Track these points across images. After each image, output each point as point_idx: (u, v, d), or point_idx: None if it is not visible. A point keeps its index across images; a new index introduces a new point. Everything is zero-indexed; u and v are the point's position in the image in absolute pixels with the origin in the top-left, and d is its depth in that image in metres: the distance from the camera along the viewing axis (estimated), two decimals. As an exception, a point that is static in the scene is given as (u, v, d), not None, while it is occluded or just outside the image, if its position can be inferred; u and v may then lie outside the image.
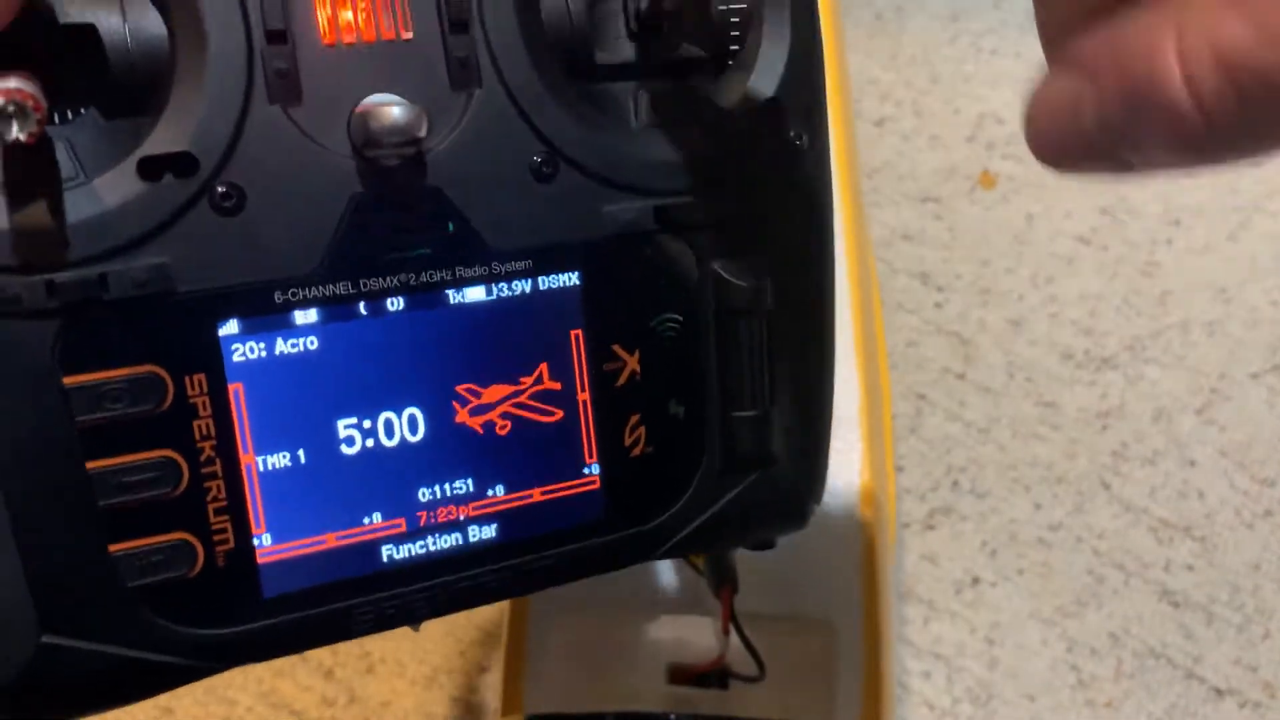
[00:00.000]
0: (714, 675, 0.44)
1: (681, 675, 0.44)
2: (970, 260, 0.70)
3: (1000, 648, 0.59)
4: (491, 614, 0.58)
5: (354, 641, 0.58)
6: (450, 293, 0.27)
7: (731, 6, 0.28)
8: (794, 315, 0.31)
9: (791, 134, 0.30)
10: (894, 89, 0.76)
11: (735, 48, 0.29)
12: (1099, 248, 0.71)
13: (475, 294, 0.28)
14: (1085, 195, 0.72)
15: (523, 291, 0.28)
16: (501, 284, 0.28)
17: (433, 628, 0.59)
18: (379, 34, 0.26)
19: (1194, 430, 0.64)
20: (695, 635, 0.45)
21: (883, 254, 0.70)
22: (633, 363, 0.30)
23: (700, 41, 0.29)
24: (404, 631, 0.58)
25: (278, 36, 0.25)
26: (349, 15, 0.26)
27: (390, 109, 0.25)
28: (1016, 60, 0.77)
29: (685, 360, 0.30)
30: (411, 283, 0.27)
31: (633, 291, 0.29)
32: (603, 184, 0.28)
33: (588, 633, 0.45)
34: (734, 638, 0.43)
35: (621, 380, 0.29)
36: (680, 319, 0.30)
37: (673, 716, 0.44)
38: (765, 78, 0.28)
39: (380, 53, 0.26)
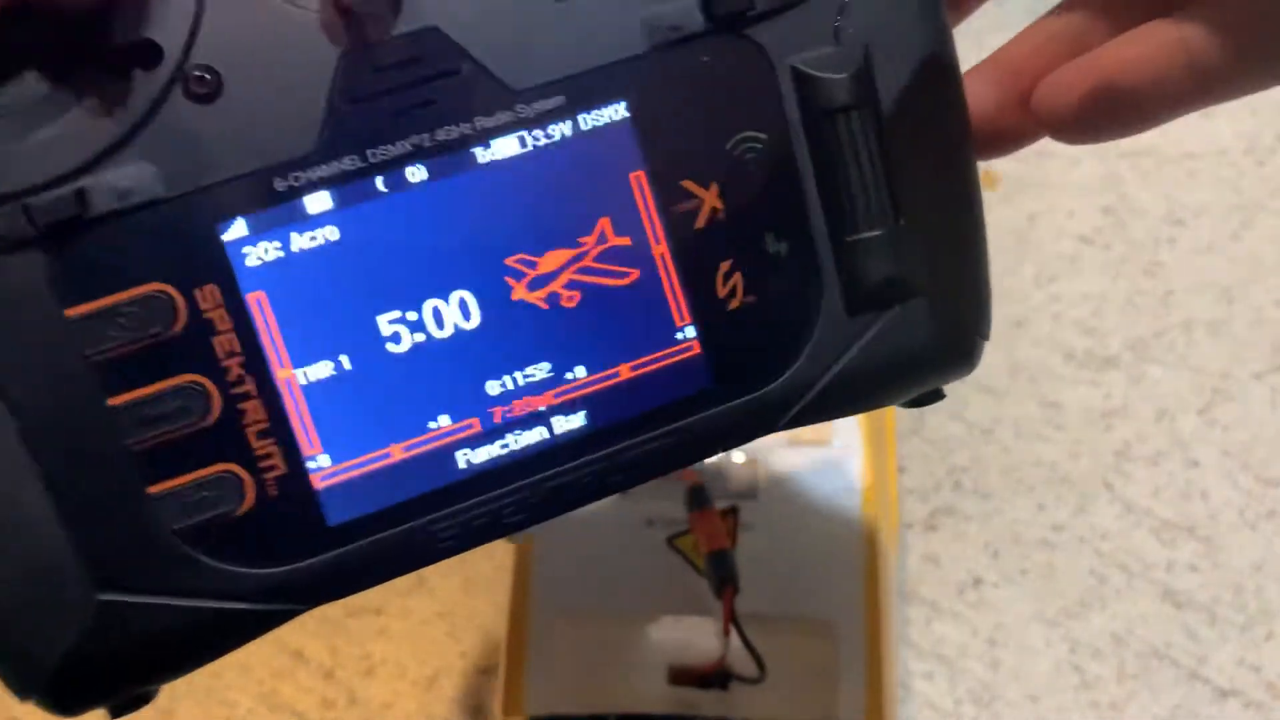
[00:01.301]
0: (715, 676, 0.44)
1: (682, 676, 0.44)
2: (972, 260, 0.69)
3: (1003, 649, 0.59)
4: (493, 613, 0.58)
5: (354, 643, 0.58)
6: (477, 150, 0.24)
7: None
8: (909, 105, 0.26)
9: None
10: (896, 88, 0.76)
11: None
12: (1102, 247, 0.70)
13: (506, 147, 0.24)
14: (1088, 194, 0.72)
15: (562, 135, 0.24)
16: (535, 130, 0.24)
17: (433, 627, 0.59)
18: None
19: (1197, 430, 0.64)
20: (696, 636, 0.45)
21: (885, 254, 0.70)
22: (711, 198, 0.25)
23: None
24: (405, 632, 0.58)
25: None
26: None
27: None
28: (1019, 59, 0.77)
29: (777, 184, 0.25)
30: (427, 145, 0.23)
31: (695, 113, 0.25)
32: None
33: (588, 634, 0.45)
34: (735, 639, 0.43)
35: (702, 221, 0.25)
36: (763, 135, 0.25)
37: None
38: None
39: None
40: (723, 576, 0.43)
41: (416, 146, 0.23)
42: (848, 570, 0.46)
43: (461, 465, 0.25)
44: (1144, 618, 0.59)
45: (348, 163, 0.23)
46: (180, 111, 0.23)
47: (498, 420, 0.25)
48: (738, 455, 0.49)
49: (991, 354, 0.67)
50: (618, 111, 0.24)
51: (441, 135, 0.23)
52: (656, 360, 0.26)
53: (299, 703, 0.57)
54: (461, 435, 0.25)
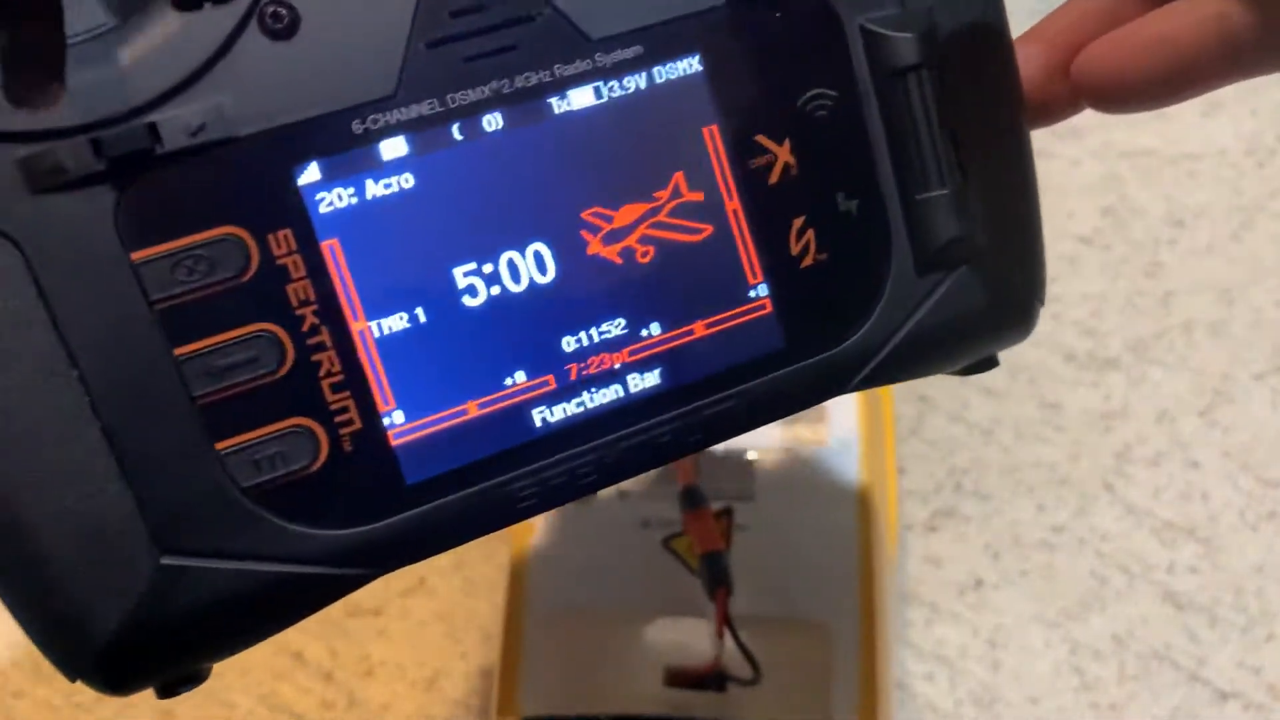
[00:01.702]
0: (710, 678, 0.44)
1: (678, 678, 0.44)
2: (972, 261, 0.69)
3: (1003, 650, 0.58)
4: (493, 614, 0.58)
5: (354, 644, 0.58)
6: (554, 100, 0.24)
7: None
8: (969, 68, 0.27)
9: None
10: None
11: None
12: (1102, 248, 0.70)
13: (583, 98, 0.24)
14: (1088, 195, 0.72)
15: (637, 87, 0.24)
16: (611, 81, 0.24)
17: (432, 628, 0.59)
18: None
19: (1197, 432, 0.64)
20: (691, 638, 0.45)
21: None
22: (784, 154, 0.25)
23: None
24: (404, 633, 0.58)
25: None
26: None
27: None
28: (1019, 61, 0.77)
29: (847, 142, 0.26)
30: (505, 91, 0.23)
31: (767, 68, 0.25)
32: None
33: (583, 635, 0.45)
34: (730, 640, 0.43)
35: (774, 178, 0.25)
36: (833, 92, 0.25)
37: None
38: None
39: None
40: (716, 578, 0.43)
41: (495, 93, 0.23)
42: (843, 572, 0.46)
43: (538, 423, 0.25)
44: (1144, 619, 0.59)
45: (426, 108, 0.23)
46: (256, 47, 0.22)
47: (573, 376, 0.25)
48: (737, 453, 0.49)
49: (991, 355, 0.67)
50: (692, 64, 0.24)
51: (520, 82, 0.23)
52: (730, 318, 0.26)
53: (298, 704, 0.57)
54: (538, 392, 0.25)
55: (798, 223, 0.26)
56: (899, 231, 0.27)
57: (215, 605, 0.23)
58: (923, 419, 0.65)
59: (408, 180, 0.23)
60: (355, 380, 0.23)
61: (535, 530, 0.47)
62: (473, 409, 0.24)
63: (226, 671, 0.58)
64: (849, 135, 0.26)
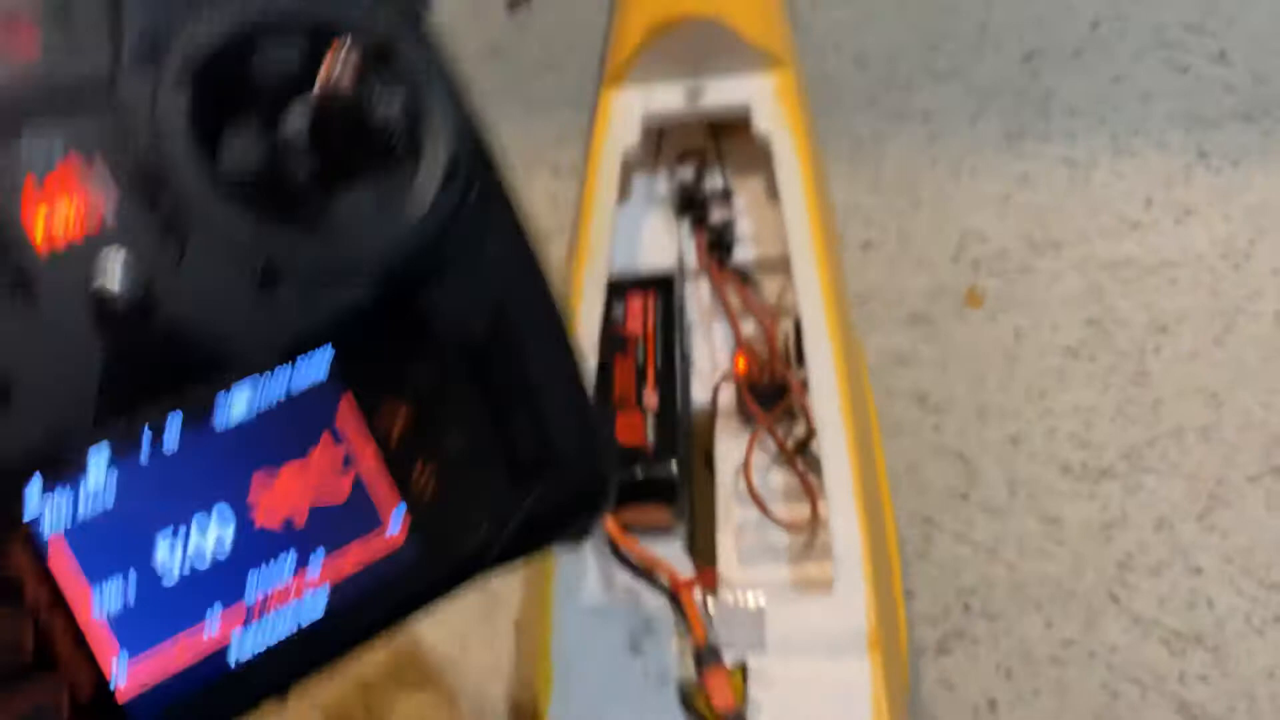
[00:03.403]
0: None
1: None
2: (965, 379, 0.71)
3: (1024, 768, 0.59)
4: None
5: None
6: (219, 409, 0.31)
7: (389, 113, 0.33)
8: (527, 334, 0.36)
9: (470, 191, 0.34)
10: (877, 214, 0.78)
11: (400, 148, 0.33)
12: (1088, 359, 0.72)
13: (241, 399, 0.31)
14: (1071, 308, 0.74)
15: (285, 386, 0.32)
16: (263, 382, 0.31)
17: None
18: (87, 230, 0.29)
19: (1196, 538, 0.65)
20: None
21: (878, 379, 0.71)
22: (403, 414, 0.34)
23: (367, 147, 0.33)
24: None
25: None
26: (58, 225, 0.29)
27: (105, 272, 0.29)
28: (994, 178, 0.79)
29: (449, 397, 0.34)
30: (178, 405, 0.30)
31: (382, 353, 0.33)
32: (326, 276, 0.32)
33: None
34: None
35: (398, 431, 0.33)
36: (436, 362, 0.34)
37: None
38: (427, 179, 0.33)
39: (95, 241, 0.29)
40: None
41: (170, 408, 0.30)
42: (857, 715, 0.47)
43: (232, 662, 0.32)
44: (1160, 731, 0.60)
45: (119, 431, 0.30)
46: None
47: (257, 616, 0.32)
48: (748, 604, 0.50)
49: (991, 471, 0.68)
50: (323, 364, 0.32)
51: (192, 400, 0.30)
52: (374, 548, 0.33)
53: None
54: (232, 631, 0.32)
55: (419, 463, 0.33)
56: (497, 458, 0.35)
57: None
58: (929, 541, 0.66)
59: (111, 482, 0.30)
60: (83, 652, 0.29)
61: (551, 693, 0.48)
62: (181, 656, 0.31)
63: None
64: (453, 395, 0.34)
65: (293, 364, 0.32)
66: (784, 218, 0.62)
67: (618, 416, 0.57)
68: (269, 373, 0.31)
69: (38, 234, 0.29)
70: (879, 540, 0.56)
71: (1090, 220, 0.77)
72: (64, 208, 0.29)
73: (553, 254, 0.83)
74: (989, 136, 0.81)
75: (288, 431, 0.32)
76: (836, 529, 0.52)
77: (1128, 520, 0.66)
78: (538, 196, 0.76)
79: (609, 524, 0.51)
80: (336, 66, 0.31)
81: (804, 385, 0.60)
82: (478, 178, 0.35)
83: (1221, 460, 0.67)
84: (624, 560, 0.52)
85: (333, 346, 0.32)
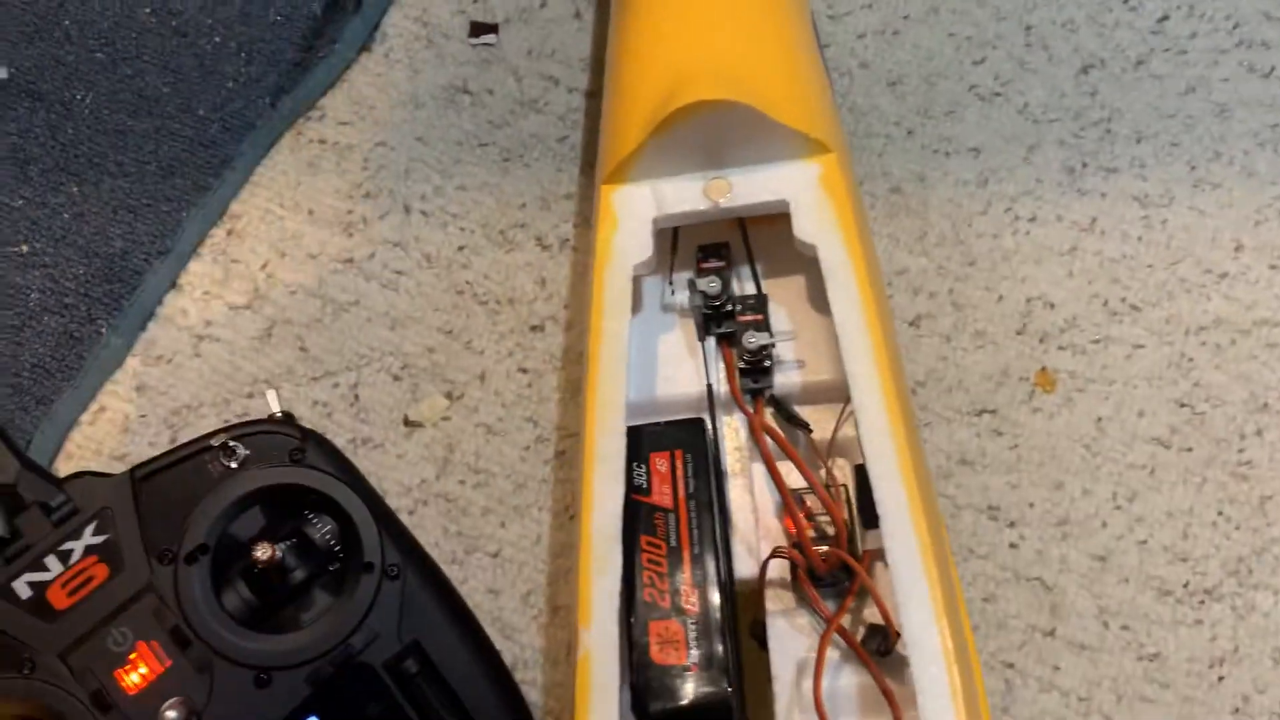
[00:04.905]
0: None
1: None
2: (1041, 484, 0.62)
3: None
4: None
5: None
6: None
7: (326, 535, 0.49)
8: (448, 659, 0.47)
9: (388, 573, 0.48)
10: (926, 279, 0.68)
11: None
12: (1181, 450, 0.63)
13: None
14: (1157, 386, 0.64)
15: None
16: None
17: None
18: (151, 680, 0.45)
19: (1323, 674, 0.57)
20: None
21: (943, 487, 0.62)
22: None
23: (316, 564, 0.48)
24: None
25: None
26: (134, 678, 0.45)
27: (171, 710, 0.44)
28: (1059, 225, 0.69)
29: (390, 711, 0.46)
30: None
31: (345, 698, 0.46)
32: (306, 665, 0.46)
33: None
34: None
35: None
36: (384, 695, 0.46)
37: None
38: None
39: (160, 683, 0.45)
40: None
41: None
42: None
43: None
44: None
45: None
46: None
47: None
48: None
49: (1077, 600, 0.59)
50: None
51: None
52: None
53: None
54: None
55: None
56: None
57: None
58: (1012, 692, 0.58)
59: None
60: None
61: None
62: None
63: None
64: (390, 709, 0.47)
65: None
66: (841, 346, 0.52)
67: (649, 628, 0.48)
68: None
69: (128, 683, 0.45)
70: (971, 700, 0.47)
71: (1170, 272, 0.67)
72: (140, 667, 0.45)
73: (539, 347, 0.70)
74: (1047, 171, 0.70)
75: None
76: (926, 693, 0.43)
77: (1241, 653, 0.58)
78: (523, 279, 0.66)
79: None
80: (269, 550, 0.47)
81: (873, 560, 0.51)
82: (403, 555, 0.48)
83: (1344, 573, 0.59)
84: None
85: (315, 715, 0.45)
